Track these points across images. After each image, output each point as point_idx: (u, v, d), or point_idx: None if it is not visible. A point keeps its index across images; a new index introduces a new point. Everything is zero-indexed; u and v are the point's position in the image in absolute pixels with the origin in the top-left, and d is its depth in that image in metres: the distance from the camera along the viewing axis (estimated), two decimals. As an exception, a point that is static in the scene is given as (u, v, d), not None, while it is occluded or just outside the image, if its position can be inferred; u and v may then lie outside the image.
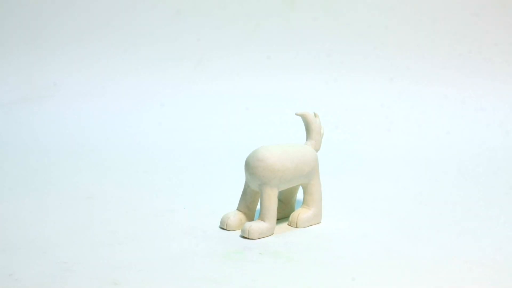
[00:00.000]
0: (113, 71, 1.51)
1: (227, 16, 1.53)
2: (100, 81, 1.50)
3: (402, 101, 1.38)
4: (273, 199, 0.84)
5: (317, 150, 0.90)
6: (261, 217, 0.84)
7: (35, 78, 1.52)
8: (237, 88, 1.46)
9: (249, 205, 0.86)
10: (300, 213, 0.88)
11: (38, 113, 1.42)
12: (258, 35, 1.50)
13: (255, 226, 0.83)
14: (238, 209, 0.87)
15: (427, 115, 1.37)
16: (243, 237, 0.83)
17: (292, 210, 0.91)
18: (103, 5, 1.55)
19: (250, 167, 0.84)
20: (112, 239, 0.82)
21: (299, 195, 0.93)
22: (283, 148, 0.85)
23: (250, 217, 0.87)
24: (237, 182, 0.92)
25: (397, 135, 1.31)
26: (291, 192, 0.91)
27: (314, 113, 0.91)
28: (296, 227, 0.87)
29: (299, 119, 0.92)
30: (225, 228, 0.85)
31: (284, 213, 0.90)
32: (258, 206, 0.88)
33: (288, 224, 0.88)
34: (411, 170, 1.18)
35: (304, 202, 0.89)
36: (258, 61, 1.46)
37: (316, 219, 0.89)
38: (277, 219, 0.89)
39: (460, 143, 1.29)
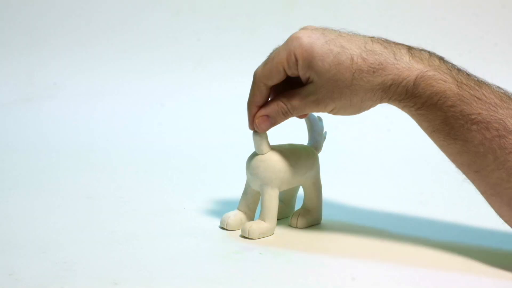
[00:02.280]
0: (113, 71, 1.51)
1: (227, 16, 1.53)
2: (100, 82, 1.50)
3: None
4: (274, 200, 0.84)
5: (318, 151, 0.90)
6: (262, 217, 0.84)
7: (35, 78, 1.52)
8: (237, 88, 1.46)
9: (249, 205, 0.86)
10: (300, 214, 0.88)
11: (38, 113, 1.42)
12: (258, 35, 1.50)
13: (256, 226, 0.83)
14: (238, 209, 0.87)
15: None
16: (243, 237, 0.83)
17: (292, 210, 0.91)
18: (103, 6, 1.55)
19: (251, 167, 0.84)
20: (112, 239, 0.82)
21: (299, 195, 0.93)
22: (284, 148, 0.85)
23: (250, 217, 0.87)
24: (238, 182, 0.92)
25: (397, 135, 1.31)
26: (291, 192, 0.91)
27: (318, 117, 0.91)
28: (297, 228, 0.87)
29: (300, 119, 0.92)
30: (225, 227, 0.85)
31: (285, 213, 0.90)
32: (258, 207, 0.88)
33: (289, 225, 0.88)
34: (411, 170, 1.18)
35: (305, 202, 0.89)
36: (258, 61, 1.46)
37: (316, 220, 0.89)
38: (277, 219, 0.88)
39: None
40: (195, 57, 1.51)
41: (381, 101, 0.79)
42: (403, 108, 0.78)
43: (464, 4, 1.46)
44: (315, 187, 0.89)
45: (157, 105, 1.43)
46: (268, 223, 0.83)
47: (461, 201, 1.02)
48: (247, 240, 0.82)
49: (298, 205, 0.94)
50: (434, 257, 0.79)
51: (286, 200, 0.91)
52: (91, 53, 1.53)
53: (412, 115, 0.79)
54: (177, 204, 0.96)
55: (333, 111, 0.80)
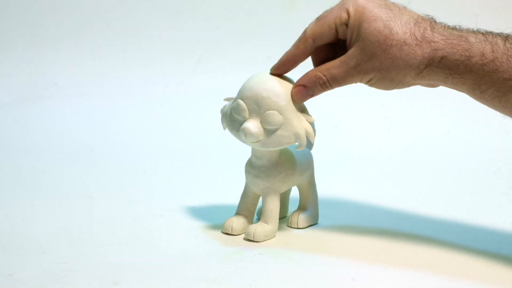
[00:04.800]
0: (113, 71, 1.51)
1: (227, 16, 1.53)
2: (100, 81, 1.50)
3: (402, 101, 1.38)
4: (275, 202, 0.84)
5: (310, 149, 0.90)
6: (264, 220, 0.83)
7: (35, 78, 1.52)
8: (237, 88, 1.46)
9: (250, 207, 0.86)
10: (299, 214, 0.87)
11: (38, 113, 1.42)
12: (258, 35, 1.50)
13: (260, 229, 0.82)
14: (238, 212, 0.86)
15: (427, 115, 1.37)
16: (248, 239, 0.82)
17: (286, 210, 0.92)
18: (103, 5, 1.55)
19: (253, 170, 0.84)
20: (112, 239, 0.82)
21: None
22: (283, 150, 0.85)
23: (250, 220, 0.86)
24: (237, 182, 0.91)
25: (397, 135, 1.31)
26: (285, 193, 0.91)
27: None
28: (297, 228, 0.87)
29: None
30: (230, 233, 0.84)
31: (280, 214, 0.90)
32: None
33: (287, 226, 0.88)
34: (411, 170, 1.18)
35: (301, 202, 0.89)
36: (258, 61, 1.46)
37: (314, 219, 0.89)
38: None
39: (460, 143, 1.28)
40: (195, 57, 1.51)
41: (421, 79, 0.77)
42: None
43: (464, 4, 1.46)
44: (312, 186, 0.89)
45: (157, 105, 1.43)
46: (271, 225, 0.83)
47: (461, 201, 1.02)
48: (247, 240, 0.82)
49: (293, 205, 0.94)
50: (434, 257, 0.79)
51: (281, 201, 0.90)
52: (91, 53, 1.53)
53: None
54: (177, 204, 0.96)
55: (371, 82, 0.78)
